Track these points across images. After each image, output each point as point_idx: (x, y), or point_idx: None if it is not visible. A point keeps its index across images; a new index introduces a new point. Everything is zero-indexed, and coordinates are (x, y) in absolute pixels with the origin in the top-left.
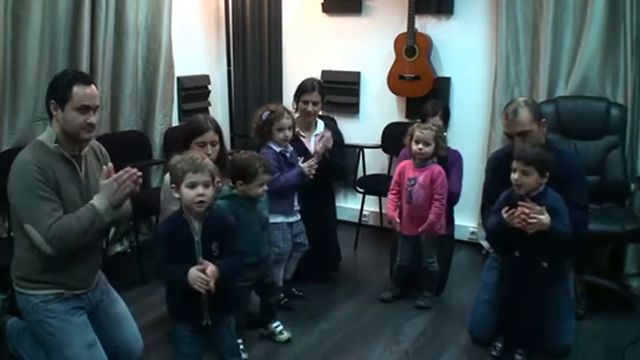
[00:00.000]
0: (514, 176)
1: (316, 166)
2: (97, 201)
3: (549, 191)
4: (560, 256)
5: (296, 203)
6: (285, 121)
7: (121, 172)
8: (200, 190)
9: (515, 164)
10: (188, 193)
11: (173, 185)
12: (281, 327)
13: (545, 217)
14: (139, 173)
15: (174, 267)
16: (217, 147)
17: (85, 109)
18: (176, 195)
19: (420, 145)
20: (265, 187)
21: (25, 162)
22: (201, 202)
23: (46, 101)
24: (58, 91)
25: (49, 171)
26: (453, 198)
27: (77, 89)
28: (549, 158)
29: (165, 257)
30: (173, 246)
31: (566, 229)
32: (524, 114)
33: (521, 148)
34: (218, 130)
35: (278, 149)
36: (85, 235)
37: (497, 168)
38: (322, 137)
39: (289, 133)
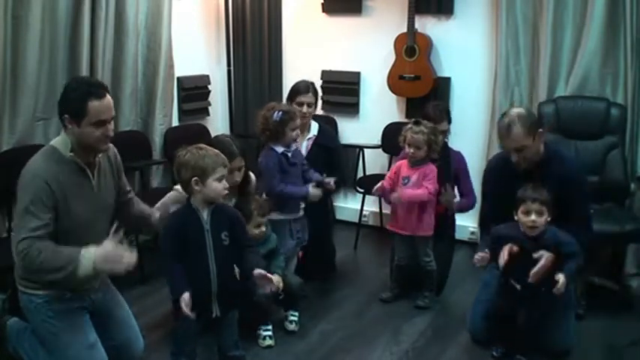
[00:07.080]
0: (530, 218)
1: (322, 195)
2: (87, 255)
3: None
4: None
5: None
6: (298, 121)
7: (126, 253)
8: (225, 183)
9: (529, 206)
10: (217, 186)
11: (196, 178)
12: (295, 318)
13: (562, 280)
14: (131, 267)
15: (180, 280)
16: (242, 170)
17: (101, 122)
18: (197, 188)
19: (412, 149)
20: (263, 229)
21: (35, 175)
22: (226, 193)
23: (59, 113)
24: (72, 105)
25: (57, 188)
26: (467, 208)
27: (92, 104)
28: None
29: (172, 253)
30: (184, 236)
31: (576, 260)
32: (517, 130)
33: (527, 191)
34: (244, 154)
35: (280, 150)
36: (55, 271)
37: (495, 177)
38: (329, 183)
39: (299, 132)
